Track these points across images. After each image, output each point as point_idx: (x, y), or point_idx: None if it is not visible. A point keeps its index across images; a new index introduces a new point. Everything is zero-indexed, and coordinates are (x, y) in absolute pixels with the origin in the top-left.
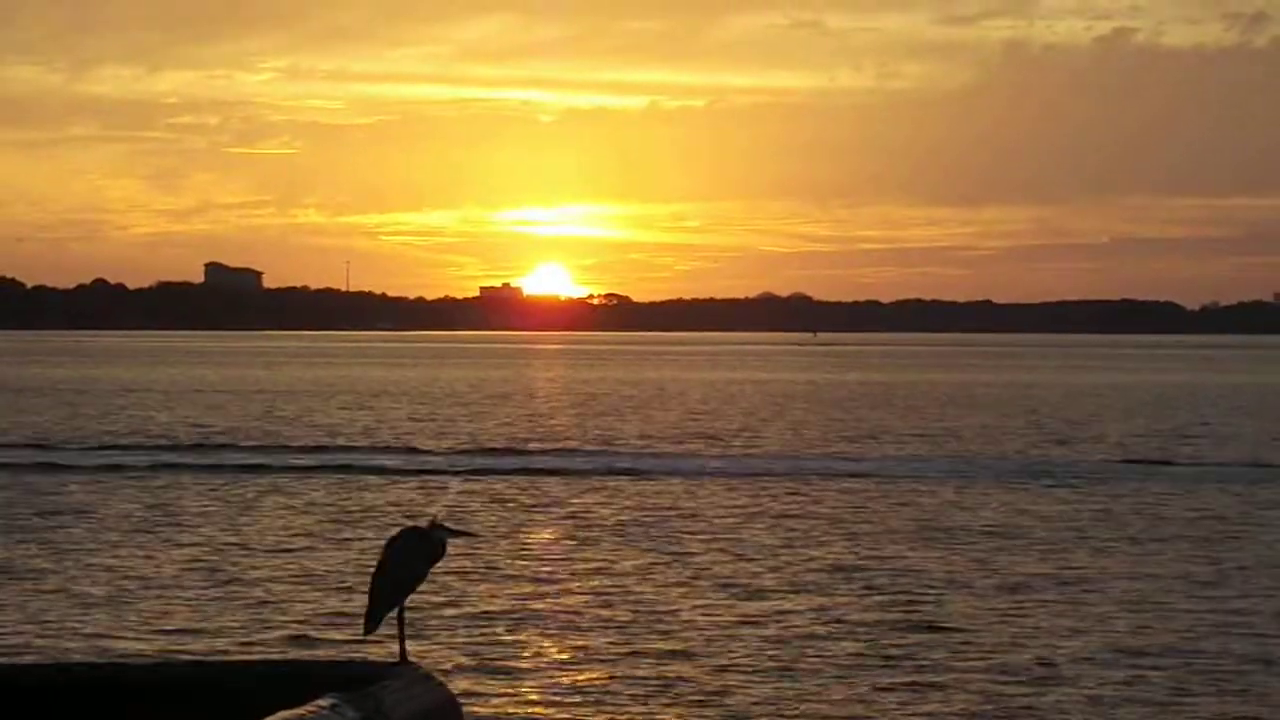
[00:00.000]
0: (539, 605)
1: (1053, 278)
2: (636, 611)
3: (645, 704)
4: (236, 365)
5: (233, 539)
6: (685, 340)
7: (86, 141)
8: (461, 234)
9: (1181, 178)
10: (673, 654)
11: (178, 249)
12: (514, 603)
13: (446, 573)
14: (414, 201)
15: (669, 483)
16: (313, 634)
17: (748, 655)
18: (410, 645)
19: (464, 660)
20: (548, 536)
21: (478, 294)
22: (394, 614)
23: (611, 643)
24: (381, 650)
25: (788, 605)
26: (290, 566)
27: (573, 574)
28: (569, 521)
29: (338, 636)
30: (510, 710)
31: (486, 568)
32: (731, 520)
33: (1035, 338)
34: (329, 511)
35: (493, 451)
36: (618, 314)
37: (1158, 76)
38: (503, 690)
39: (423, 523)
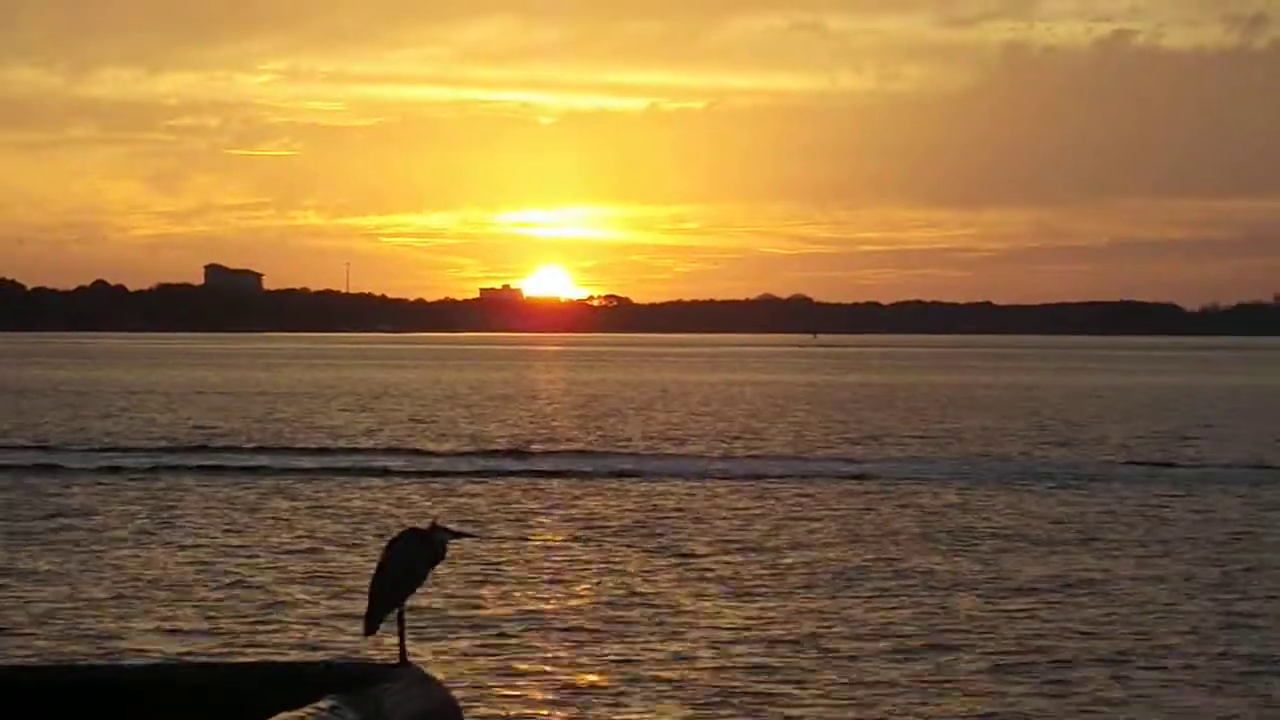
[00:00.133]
0: (539, 607)
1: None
2: (637, 613)
3: (646, 706)
4: (237, 367)
5: (233, 541)
6: (685, 342)
7: (87, 143)
8: (462, 236)
9: (1181, 179)
10: (674, 656)
11: (178, 251)
12: (514, 604)
13: (447, 574)
14: (414, 203)
15: (671, 484)
16: (313, 635)
17: (751, 657)
18: (410, 646)
19: (464, 662)
20: (548, 538)
21: (478, 296)
22: (394, 615)
23: (612, 644)
24: (381, 652)
25: (790, 607)
26: (290, 568)
27: (573, 575)
28: (570, 523)
29: (338, 638)
30: (510, 712)
31: (487, 569)
32: (734, 522)
33: (1035, 339)
34: (329, 513)
35: (494, 453)
36: (618, 315)
37: (1157, 78)
38: (503, 692)
39: (423, 524)
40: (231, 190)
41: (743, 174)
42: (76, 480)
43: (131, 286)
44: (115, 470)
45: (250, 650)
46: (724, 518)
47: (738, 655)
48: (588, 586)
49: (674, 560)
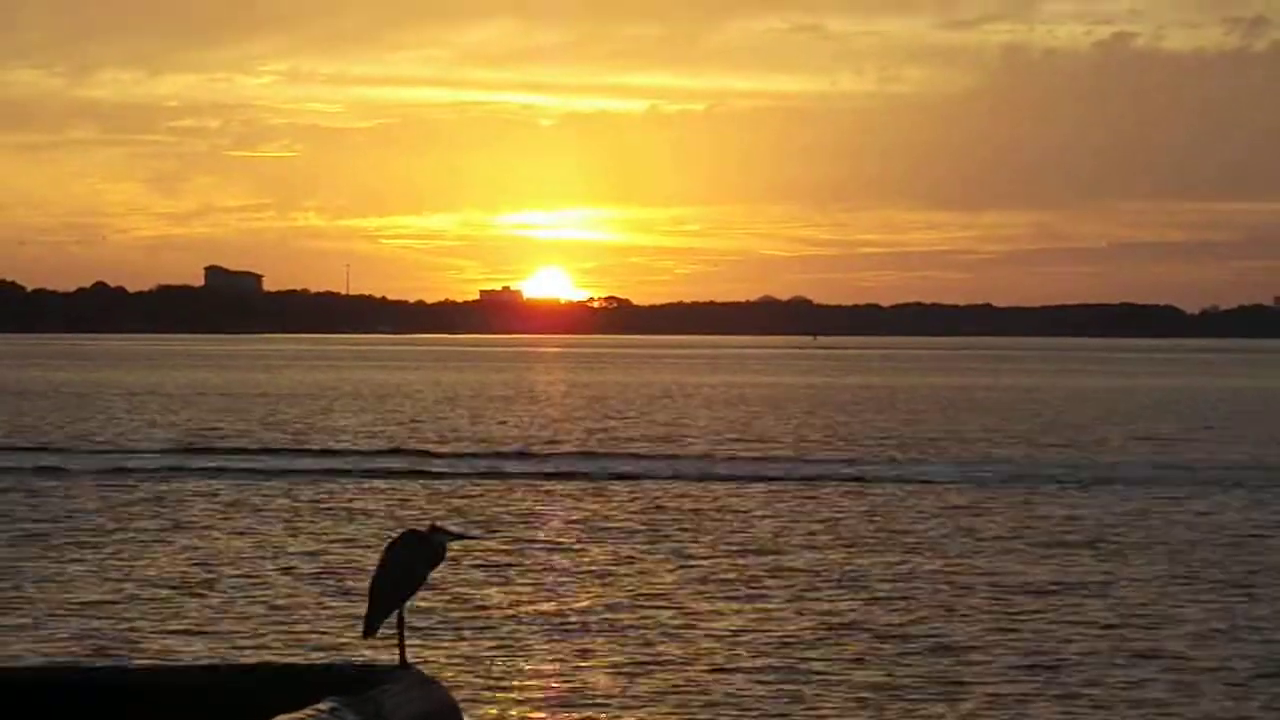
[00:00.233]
0: (540, 608)
1: (1053, 281)
2: (639, 615)
3: (648, 709)
4: (237, 369)
5: (233, 542)
6: (685, 344)
7: (87, 145)
8: (462, 237)
9: (1181, 181)
10: (677, 658)
11: (178, 252)
12: (514, 606)
13: (447, 576)
14: (414, 205)
15: (672, 486)
16: (313, 637)
17: (753, 660)
18: (410, 649)
19: (464, 664)
20: (549, 540)
21: (478, 297)
22: (394, 617)
23: (613, 647)
24: (382, 654)
25: (793, 609)
26: (290, 570)
27: (574, 577)
28: (571, 525)
29: (338, 640)
30: (511, 714)
31: (488, 571)
32: (735, 524)
33: (1035, 341)
34: (330, 514)
35: (495, 455)
36: (618, 317)
37: (1157, 81)
38: (503, 694)
39: (423, 526)
40: (232, 192)
41: (743, 176)
42: (77, 482)
43: (132, 288)
44: (116, 472)
45: (250, 652)
46: (725, 520)
47: (740, 658)
48: (588, 588)
49: (675, 562)
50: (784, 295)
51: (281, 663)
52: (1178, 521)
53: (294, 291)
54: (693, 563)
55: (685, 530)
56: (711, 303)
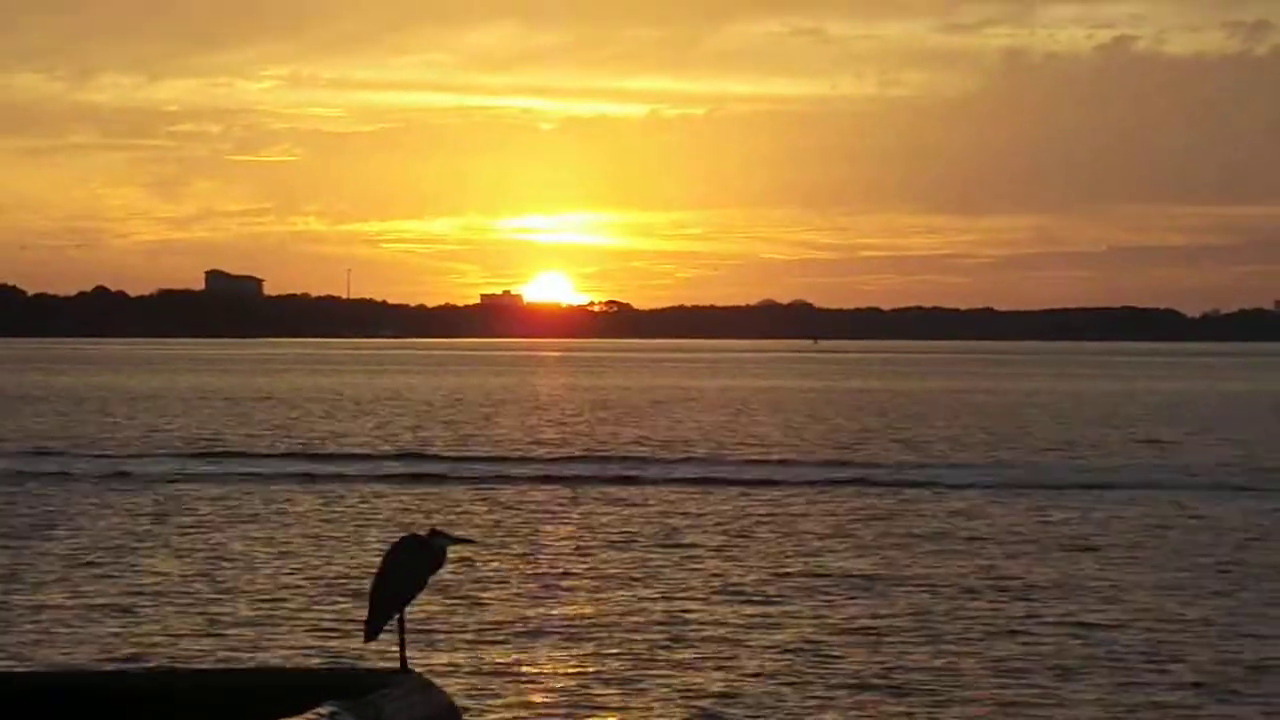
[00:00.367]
0: (540, 613)
1: (1053, 285)
2: (641, 619)
3: (650, 715)
4: (238, 373)
5: (234, 546)
6: (686, 348)
7: (87, 149)
8: (462, 241)
9: (1182, 185)
10: (678, 663)
11: (178, 256)
12: (515, 610)
13: (447, 580)
14: (415, 209)
15: (673, 490)
16: (313, 642)
17: (756, 663)
18: (410, 653)
19: (464, 668)
20: (550, 544)
21: (479, 301)
22: (394, 622)
23: (615, 651)
24: (382, 658)
25: (796, 613)
26: (291, 574)
27: (575, 581)
28: (571, 528)
29: (338, 644)
30: (511, 718)
31: (487, 575)
32: (737, 527)
33: (1036, 345)
34: (330, 518)
35: (496, 459)
36: (618, 321)
37: (1158, 84)
38: (503, 698)
39: (423, 530)
40: (233, 196)
41: (743, 180)
42: (78, 486)
43: (132, 292)
44: (117, 476)
45: (251, 656)
46: (727, 523)
47: (742, 661)
48: (589, 593)
49: (677, 566)
50: (785, 299)
51: (282, 667)
52: (1179, 525)
53: (295, 296)
54: (695, 567)
55: (687, 534)
56: (712, 306)
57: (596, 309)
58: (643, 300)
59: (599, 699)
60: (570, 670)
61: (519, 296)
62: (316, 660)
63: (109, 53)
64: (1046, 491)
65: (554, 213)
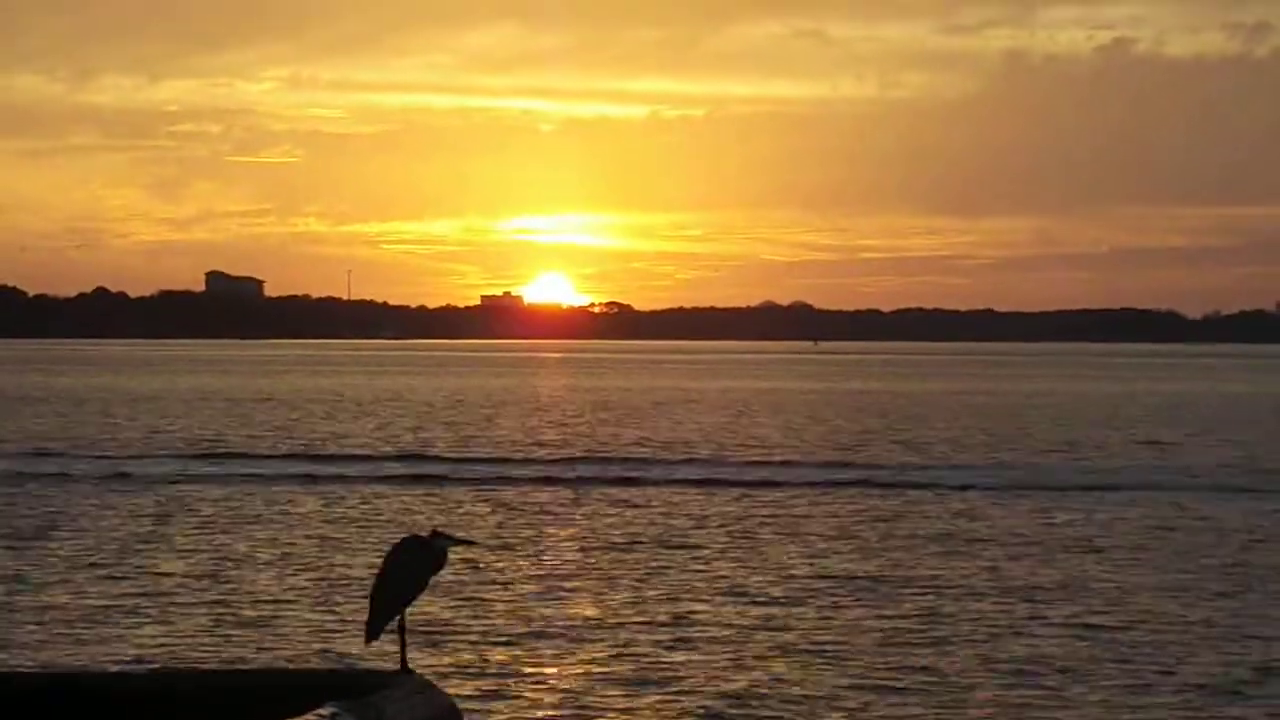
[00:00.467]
0: (542, 614)
1: (1053, 287)
2: (642, 621)
3: (650, 714)
4: (239, 374)
5: (236, 547)
6: (686, 349)
7: (88, 150)
8: (463, 243)
9: (1182, 186)
10: (680, 664)
11: (179, 257)
12: (516, 612)
13: (448, 581)
14: (415, 210)
15: (674, 491)
16: (314, 643)
17: (758, 665)
18: (411, 654)
19: (465, 669)
20: (551, 545)
21: (479, 303)
22: (395, 623)
23: (615, 653)
24: (383, 659)
25: (798, 615)
26: (292, 575)
27: (576, 583)
28: (573, 530)
29: (340, 645)
30: (512, 719)
31: (489, 576)
32: (740, 529)
33: (1036, 347)
34: (332, 519)
35: (497, 460)
36: (619, 323)
37: (1159, 86)
38: (504, 699)
39: (424, 531)
40: (233, 197)
41: (744, 181)
42: (79, 487)
43: (133, 293)
44: (118, 477)
45: (252, 657)
46: (729, 525)
47: (745, 662)
48: (591, 594)
49: (679, 567)
50: (785, 300)
51: (283, 668)
52: (1181, 526)
53: (295, 297)
54: (697, 569)
55: (688, 535)
56: (712, 308)
57: (597, 310)
58: (643, 301)
59: (600, 700)
60: (571, 671)
61: (519, 298)
62: (317, 661)
63: (109, 54)
64: (1048, 493)
65: (554, 214)
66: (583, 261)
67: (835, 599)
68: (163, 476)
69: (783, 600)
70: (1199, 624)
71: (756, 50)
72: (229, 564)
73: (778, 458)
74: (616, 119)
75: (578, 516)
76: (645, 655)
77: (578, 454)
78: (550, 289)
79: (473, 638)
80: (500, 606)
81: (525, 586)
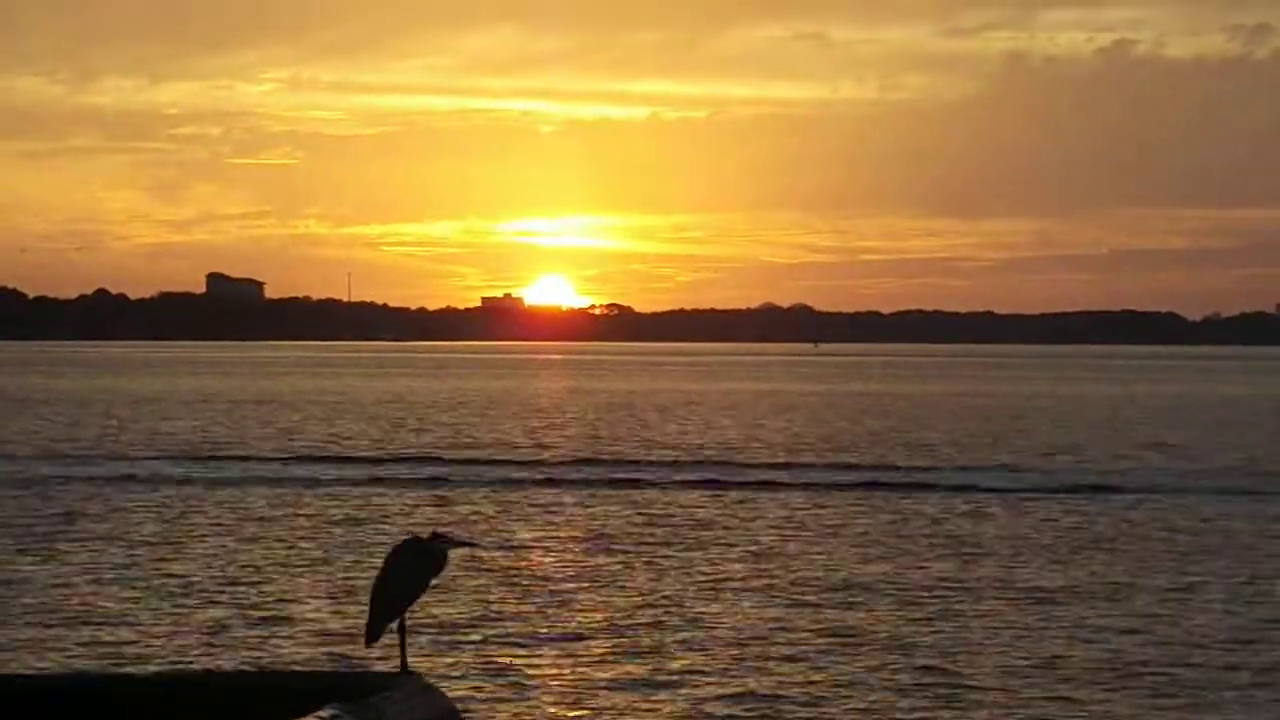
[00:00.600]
0: (543, 616)
1: (1054, 289)
2: (644, 623)
3: (652, 716)
4: (240, 375)
5: (237, 549)
6: (687, 351)
7: (88, 152)
8: (463, 244)
9: (1183, 188)
10: (682, 666)
11: (179, 259)
12: (517, 613)
13: (449, 583)
14: (416, 212)
15: (676, 493)
16: (315, 644)
17: (761, 667)
18: (412, 656)
19: (466, 671)
20: (553, 547)
21: (479, 304)
22: (395, 625)
23: (616, 655)
24: (383, 661)
25: (800, 617)
26: (293, 576)
27: (577, 585)
28: (575, 531)
29: (340, 647)
30: None
31: (490, 578)
32: (741, 531)
33: (1036, 349)
34: (333, 521)
35: (497, 462)
36: (619, 324)
37: (1159, 88)
38: (505, 701)
39: (424, 533)
40: (233, 199)
41: (744, 183)
42: (79, 488)
43: (133, 295)
44: (120, 479)
45: (252, 659)
46: (731, 527)
47: (748, 664)
48: (591, 596)
49: (680, 570)
50: (785, 302)
51: (284, 669)
52: (1185, 528)
53: (295, 299)
54: (698, 570)
55: (690, 538)
56: (713, 310)
57: (597, 312)
58: (643, 303)
59: (602, 702)
60: (572, 673)
61: (520, 299)
62: (318, 663)
63: (110, 56)
64: (1050, 495)
65: (555, 216)
66: (583, 263)
67: (838, 600)
68: (163, 478)
69: (785, 602)
70: (1202, 626)
71: (757, 52)
72: (229, 566)
73: (780, 460)
74: (617, 121)
75: (579, 518)
76: (647, 657)
77: (579, 456)
78: (551, 291)
79: (474, 639)
80: (501, 608)
81: (526, 588)
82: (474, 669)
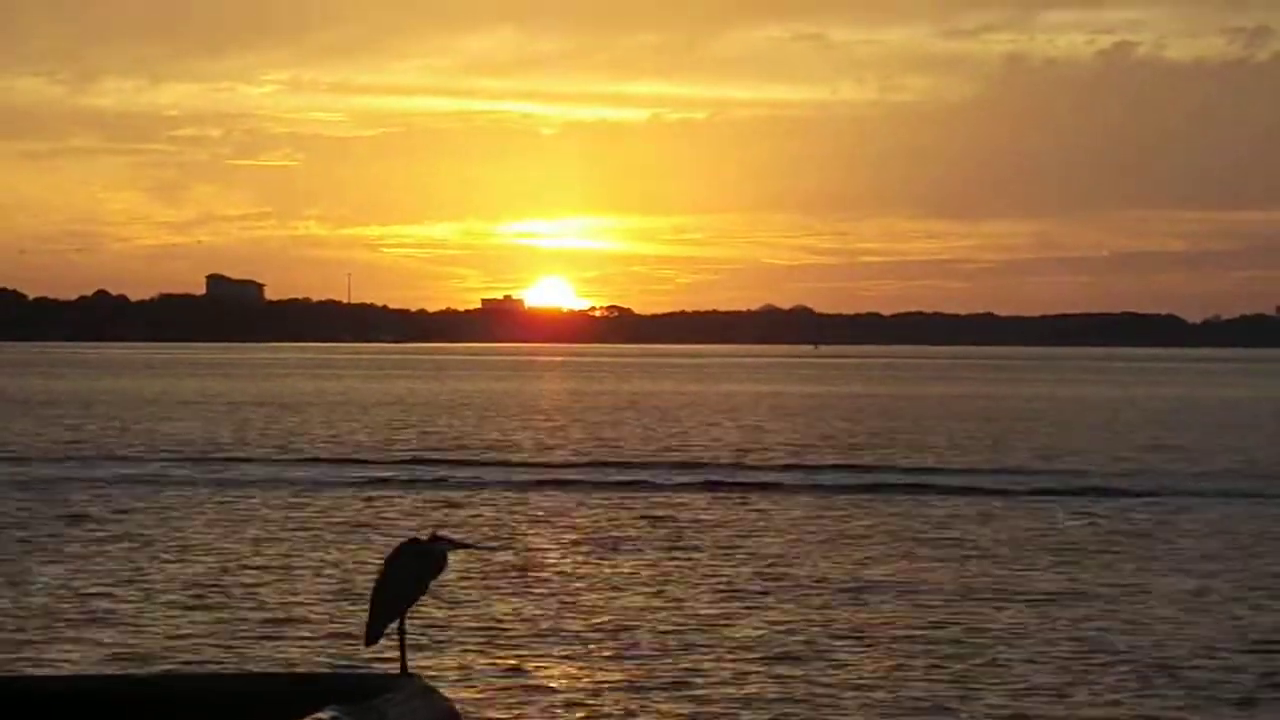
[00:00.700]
0: (543, 617)
1: (1054, 290)
2: (645, 625)
3: (652, 718)
4: (240, 377)
5: (237, 550)
6: (687, 352)
7: (88, 153)
8: (463, 246)
9: (1183, 191)
10: (683, 669)
11: (179, 261)
12: (517, 615)
13: (449, 585)
14: (416, 213)
15: (677, 495)
16: (315, 646)
17: (763, 672)
18: (412, 658)
19: (466, 673)
20: (553, 548)
21: (479, 306)
22: (395, 626)
23: (617, 657)
24: (383, 663)
25: (802, 619)
26: (293, 579)
27: (578, 586)
28: (575, 533)
29: (340, 649)
30: None
31: (491, 579)
32: (742, 532)
33: (1036, 351)
34: (334, 523)
35: (497, 464)
36: (619, 326)
37: (1159, 90)
38: (506, 703)
39: (424, 535)
40: (233, 200)
41: (744, 184)
42: (80, 490)
43: (133, 296)
44: (120, 480)
45: (253, 661)
46: (732, 529)
47: (749, 667)
48: (592, 598)
49: (682, 571)
50: (785, 304)
51: (284, 671)
52: (1187, 531)
53: (295, 300)
54: (699, 573)
55: (691, 539)
56: (713, 311)
57: (597, 314)
58: (643, 305)
59: (603, 704)
60: (573, 675)
61: (520, 301)
62: (319, 665)
63: (110, 57)
64: (1051, 497)
65: (555, 217)
66: (583, 265)
67: (839, 603)
68: (164, 479)
69: (785, 604)
70: (1205, 629)
71: (757, 54)
72: (230, 567)
73: (781, 461)
74: (617, 122)
75: (579, 520)
76: (648, 659)
77: (579, 457)
78: (551, 292)
79: (474, 641)
80: (501, 610)
81: (526, 590)
82: (473, 671)
